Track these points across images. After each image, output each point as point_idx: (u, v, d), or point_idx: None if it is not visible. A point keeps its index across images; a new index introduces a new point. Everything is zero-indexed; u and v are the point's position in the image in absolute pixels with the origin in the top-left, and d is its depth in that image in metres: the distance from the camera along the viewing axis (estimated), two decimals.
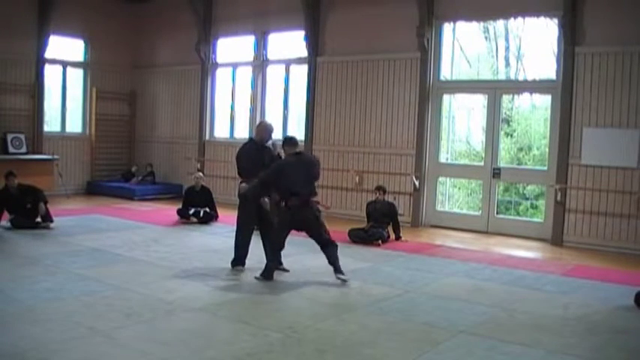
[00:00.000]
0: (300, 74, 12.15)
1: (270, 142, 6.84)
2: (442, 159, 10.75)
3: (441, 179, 10.81)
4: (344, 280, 6.19)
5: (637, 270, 7.57)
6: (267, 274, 6.28)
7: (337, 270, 6.26)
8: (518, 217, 10.82)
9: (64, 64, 13.55)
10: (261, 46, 12.70)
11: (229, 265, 6.73)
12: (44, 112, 13.12)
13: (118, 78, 14.38)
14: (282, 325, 4.81)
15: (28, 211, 8.78)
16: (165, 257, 7.23)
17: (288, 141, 6.61)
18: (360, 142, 10.93)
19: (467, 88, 11.06)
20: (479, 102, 11.10)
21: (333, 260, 6.31)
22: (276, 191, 6.45)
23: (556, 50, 9.62)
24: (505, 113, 11.21)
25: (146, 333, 4.50)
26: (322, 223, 6.42)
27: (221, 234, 8.97)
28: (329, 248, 6.34)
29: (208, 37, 13.25)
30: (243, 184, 6.60)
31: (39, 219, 8.83)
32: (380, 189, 9.20)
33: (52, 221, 8.88)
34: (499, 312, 5.44)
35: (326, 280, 6.29)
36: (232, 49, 13.28)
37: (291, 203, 6.23)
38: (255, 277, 6.27)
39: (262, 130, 6.83)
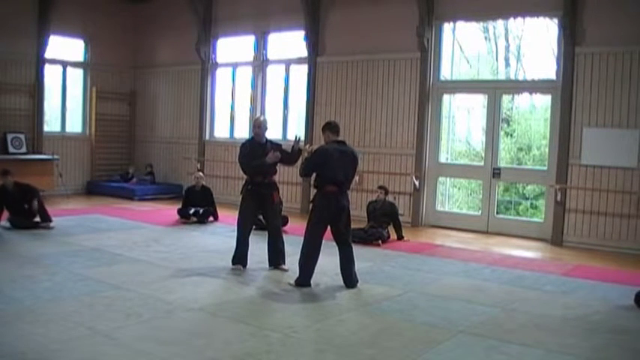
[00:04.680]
0: (300, 74, 12.15)
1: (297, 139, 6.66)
2: (442, 159, 10.75)
3: (441, 179, 10.81)
4: (352, 286, 6.10)
5: (637, 270, 7.57)
6: (301, 280, 6.05)
7: (352, 279, 6.11)
8: (518, 217, 10.82)
9: (64, 64, 13.55)
10: (261, 46, 12.71)
11: (229, 265, 6.73)
12: (44, 112, 13.12)
13: (118, 78, 14.39)
14: (282, 325, 4.81)
15: (26, 210, 8.77)
16: (166, 257, 7.23)
17: (332, 127, 6.18)
18: (360, 142, 10.93)
19: (467, 88, 11.06)
20: (479, 102, 11.09)
21: (351, 265, 6.11)
22: (315, 178, 6.12)
23: (556, 50, 9.62)
24: (505, 113, 11.20)
25: (146, 333, 4.50)
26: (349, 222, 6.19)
27: (221, 234, 8.97)
28: (348, 249, 6.13)
29: (208, 37, 13.25)
30: (271, 154, 6.50)
31: (38, 219, 8.82)
32: (382, 188, 9.23)
33: (51, 220, 8.87)
34: (499, 312, 5.44)
35: (326, 279, 6.29)
36: (232, 49, 13.28)
37: (329, 190, 5.95)
38: (289, 284, 6.09)
39: (255, 127, 6.83)
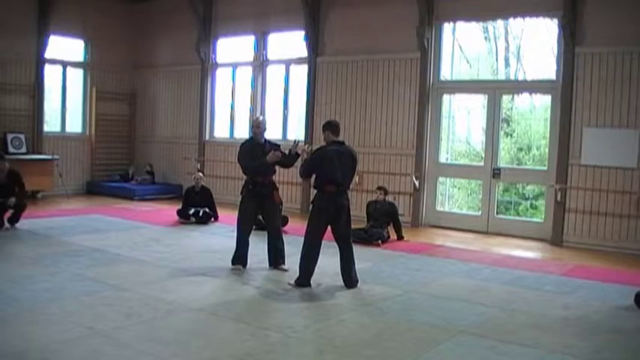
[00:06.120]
0: (300, 74, 12.15)
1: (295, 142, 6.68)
2: (442, 159, 10.75)
3: (440, 179, 10.81)
4: (352, 286, 6.09)
5: (637, 270, 7.57)
6: (301, 280, 6.05)
7: (352, 280, 6.12)
8: (518, 217, 10.81)
9: (64, 64, 13.55)
10: (261, 46, 12.71)
11: (229, 265, 6.74)
12: (44, 112, 13.12)
13: (118, 78, 14.38)
14: (282, 325, 4.81)
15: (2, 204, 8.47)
16: (165, 257, 7.23)
17: (333, 127, 6.19)
18: (360, 142, 10.93)
19: (467, 88, 11.06)
20: (479, 102, 11.09)
21: (351, 265, 6.12)
22: (315, 178, 6.14)
23: (556, 50, 9.62)
24: (505, 113, 11.20)
25: (146, 333, 4.50)
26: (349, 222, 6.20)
27: (221, 234, 8.97)
28: (349, 249, 6.14)
29: (208, 37, 13.25)
30: (271, 154, 6.50)
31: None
32: (381, 189, 9.25)
33: (13, 224, 8.57)
34: (499, 312, 5.44)
35: (326, 279, 6.29)
36: (232, 49, 13.28)
37: (329, 190, 5.98)
38: (289, 284, 6.09)
39: (255, 127, 6.85)
